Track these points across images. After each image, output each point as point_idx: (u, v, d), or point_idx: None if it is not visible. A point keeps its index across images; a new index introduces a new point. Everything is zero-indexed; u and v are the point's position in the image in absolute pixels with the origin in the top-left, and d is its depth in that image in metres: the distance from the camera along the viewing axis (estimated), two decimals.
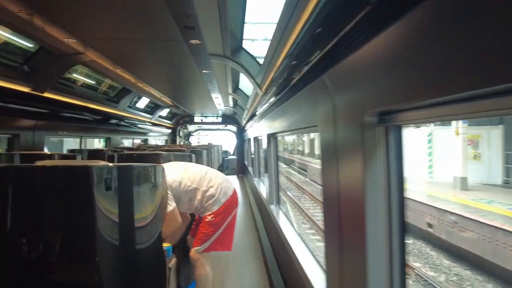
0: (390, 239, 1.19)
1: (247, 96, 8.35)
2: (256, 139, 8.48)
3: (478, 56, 0.72)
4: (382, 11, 1.07)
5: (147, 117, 10.06)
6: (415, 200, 8.43)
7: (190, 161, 3.65)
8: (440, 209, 7.76)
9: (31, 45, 3.91)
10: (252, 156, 10.09)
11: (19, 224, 1.83)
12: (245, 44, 5.08)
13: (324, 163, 1.75)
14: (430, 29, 0.87)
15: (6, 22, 3.02)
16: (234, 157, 16.14)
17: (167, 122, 13.54)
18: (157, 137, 13.44)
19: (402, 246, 1.19)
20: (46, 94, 4.41)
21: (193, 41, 3.26)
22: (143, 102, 9.10)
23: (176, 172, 2.89)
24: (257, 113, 6.14)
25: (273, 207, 4.70)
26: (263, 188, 6.42)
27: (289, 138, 35.52)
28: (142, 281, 1.99)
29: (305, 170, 21.95)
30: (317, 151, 25.75)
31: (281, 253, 3.79)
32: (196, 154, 3.97)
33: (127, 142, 10.35)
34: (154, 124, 11.33)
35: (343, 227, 1.47)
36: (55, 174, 1.83)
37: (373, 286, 1.22)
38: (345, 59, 1.30)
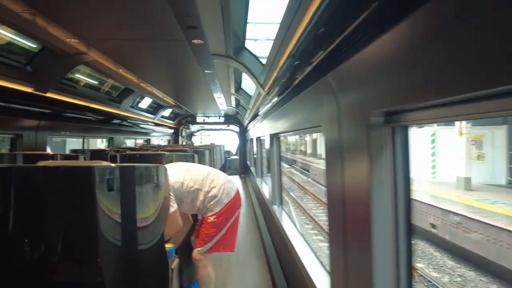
0: (396, 241, 1.17)
1: (250, 96, 8.33)
2: (258, 139, 8.47)
3: (486, 56, 0.71)
4: (387, 11, 1.05)
5: (150, 117, 10.06)
6: (418, 201, 8.39)
7: (193, 161, 3.64)
8: (444, 209, 7.72)
9: (33, 45, 3.91)
10: (255, 156, 10.08)
11: (21, 224, 1.82)
12: (248, 44, 5.06)
13: (328, 163, 1.73)
14: (437, 28, 0.85)
15: (9, 22, 3.02)
16: (237, 157, 16.13)
17: (170, 122, 13.55)
18: (160, 137, 13.44)
19: (409, 249, 1.17)
20: (48, 94, 4.42)
21: (196, 41, 3.25)
22: (145, 102, 9.10)
23: (178, 173, 2.87)
24: (259, 113, 6.13)
25: (275, 208, 4.68)
26: (266, 189, 6.41)
27: (291, 138, 35.52)
28: (144, 282, 1.98)
29: (307, 170, 21.91)
30: (319, 151, 25.74)
31: (283, 254, 3.78)
32: (198, 154, 3.96)
33: (129, 142, 10.35)
34: (156, 124, 11.34)
35: (348, 229, 1.45)
36: (57, 175, 1.83)
37: None
38: (350, 58, 1.28)
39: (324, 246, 8.04)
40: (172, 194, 2.67)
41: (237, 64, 5.00)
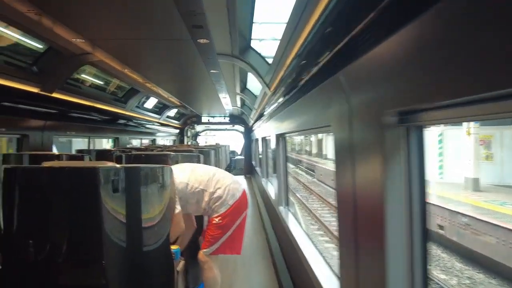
0: (411, 247, 1.13)
1: (255, 96, 8.31)
2: (264, 139, 8.44)
3: (506, 54, 0.66)
4: (400, 6, 1.01)
5: (155, 117, 10.08)
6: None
7: (198, 161, 3.62)
8: (452, 210, 7.62)
9: (39, 46, 3.92)
10: (260, 156, 10.04)
11: (26, 225, 1.81)
12: (253, 44, 5.03)
13: (338, 165, 1.68)
14: (457, 25, 0.80)
15: (15, 22, 3.02)
16: (242, 157, 16.12)
17: (175, 122, 13.57)
18: (165, 137, 13.47)
19: (424, 255, 1.13)
20: (54, 95, 4.43)
21: (201, 41, 3.22)
22: (151, 103, 9.11)
23: (183, 174, 2.85)
24: (265, 113, 6.09)
25: (282, 209, 4.65)
26: (271, 189, 6.37)
27: (297, 139, 35.43)
28: (149, 284, 1.96)
29: (313, 171, 21.82)
30: (325, 151, 25.65)
31: (290, 255, 3.74)
32: (204, 155, 3.93)
33: (135, 142, 10.38)
34: (162, 124, 11.36)
35: (360, 233, 1.40)
36: (62, 175, 1.81)
37: None
38: (362, 56, 1.24)
39: (330, 247, 7.98)
40: (176, 196, 2.64)
41: (243, 63, 4.97)
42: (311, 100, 2.33)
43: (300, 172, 25.24)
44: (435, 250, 7.78)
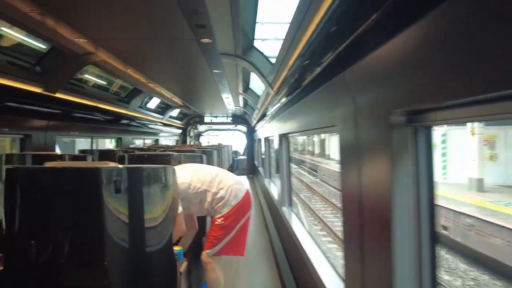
0: (419, 251, 1.10)
1: (258, 96, 8.28)
2: (266, 139, 8.41)
3: None
4: (409, 2, 0.98)
5: (158, 118, 10.08)
6: None
7: (201, 161, 3.61)
8: (456, 211, 7.56)
9: (42, 46, 3.92)
10: (263, 156, 10.02)
11: (28, 226, 1.80)
12: (256, 44, 5.00)
13: (343, 166, 1.65)
14: (468, 21, 0.78)
15: (18, 22, 3.02)
16: (244, 157, 16.10)
17: (178, 123, 13.57)
18: (168, 138, 13.47)
19: (433, 259, 1.10)
20: (57, 95, 4.42)
21: (204, 40, 3.20)
22: (154, 103, 9.11)
23: (185, 174, 2.84)
24: (268, 113, 6.07)
25: (285, 209, 4.62)
26: (274, 189, 6.35)
27: (299, 139, 35.37)
28: (151, 285, 1.94)
29: (315, 171, 21.78)
30: (327, 151, 25.58)
31: (293, 256, 3.71)
32: (206, 155, 3.92)
33: (138, 142, 10.39)
34: (164, 125, 11.35)
35: (366, 236, 1.37)
36: (64, 176, 1.80)
37: None
38: (369, 54, 1.21)
39: (333, 248, 7.95)
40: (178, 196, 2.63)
41: (246, 63, 4.94)
42: (315, 99, 2.31)
43: (302, 172, 25.19)
44: (438, 251, 7.72)
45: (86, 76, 5.48)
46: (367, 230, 1.37)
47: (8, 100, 3.71)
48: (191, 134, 15.35)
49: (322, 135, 25.37)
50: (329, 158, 23.87)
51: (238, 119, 14.56)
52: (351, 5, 1.50)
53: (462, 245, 7.30)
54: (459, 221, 7.38)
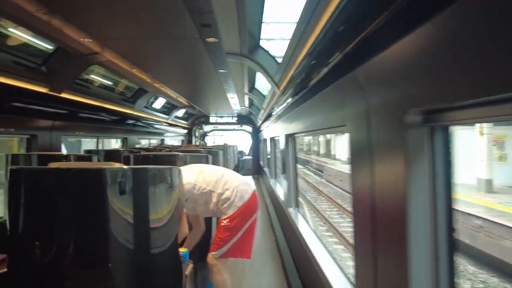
0: (436, 258, 1.04)
1: (264, 96, 8.25)
2: (272, 140, 8.37)
3: None
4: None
5: (164, 118, 10.09)
6: None
7: (207, 161, 3.58)
8: (464, 212, 7.45)
9: (48, 46, 3.92)
10: (268, 156, 9.97)
11: (32, 226, 1.78)
12: (261, 44, 4.96)
13: (354, 167, 1.60)
14: (488, 17, 0.73)
15: (24, 22, 3.01)
16: (250, 157, 16.09)
17: (183, 123, 13.59)
18: (174, 138, 13.49)
19: (451, 265, 1.04)
20: (63, 95, 4.43)
21: (210, 39, 3.17)
22: (159, 103, 9.12)
23: (190, 175, 2.81)
24: (274, 113, 6.02)
25: (291, 210, 4.57)
26: (280, 190, 6.31)
27: (305, 139, 35.29)
28: (156, 287, 1.91)
29: (321, 171, 21.68)
30: (333, 151, 25.47)
31: (300, 257, 3.67)
32: (212, 155, 3.89)
33: (143, 142, 10.40)
34: (170, 125, 11.37)
35: (379, 240, 1.32)
36: (69, 177, 1.77)
37: None
38: (382, 52, 1.16)
39: (339, 249, 7.88)
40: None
41: (252, 63, 4.91)
42: (323, 99, 2.26)
43: (308, 172, 25.11)
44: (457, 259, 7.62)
45: (92, 76, 5.49)
46: (380, 235, 1.32)
47: (14, 100, 3.70)
48: (197, 134, 15.36)
49: (328, 136, 25.26)
50: (334, 158, 23.76)
51: (243, 119, 14.54)
52: (361, 4, 1.45)
53: (470, 246, 7.19)
54: (468, 223, 7.27)
